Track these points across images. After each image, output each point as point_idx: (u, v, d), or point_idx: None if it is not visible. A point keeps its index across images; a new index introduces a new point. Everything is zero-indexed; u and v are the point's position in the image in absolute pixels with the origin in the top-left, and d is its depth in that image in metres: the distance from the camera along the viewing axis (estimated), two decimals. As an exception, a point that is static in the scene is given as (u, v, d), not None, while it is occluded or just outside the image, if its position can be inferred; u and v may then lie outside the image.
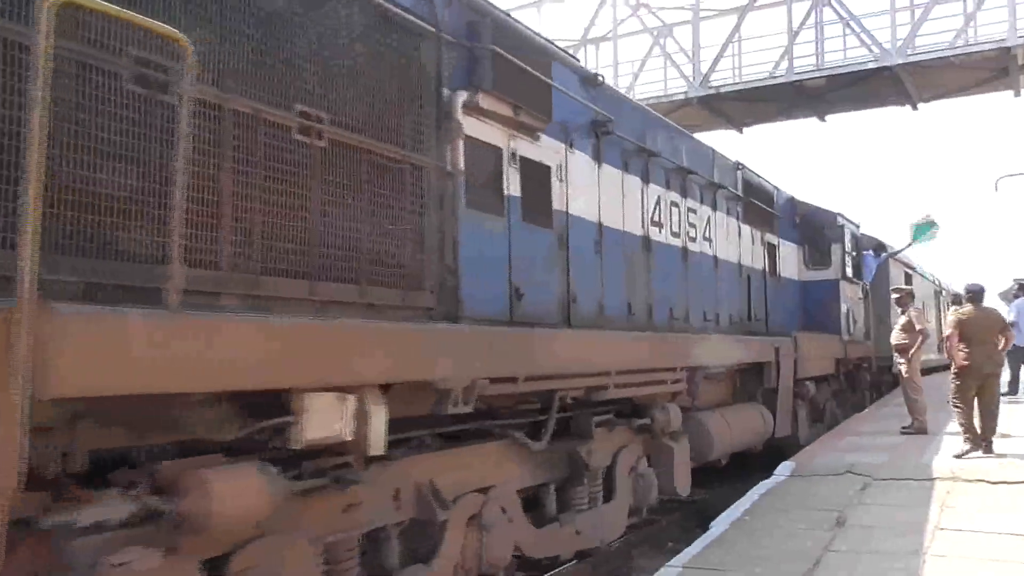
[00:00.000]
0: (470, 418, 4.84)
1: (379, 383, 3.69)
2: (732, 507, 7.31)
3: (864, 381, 15.75)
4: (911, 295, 11.72)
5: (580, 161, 6.29)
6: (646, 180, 7.44)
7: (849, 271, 13.44)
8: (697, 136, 10.10)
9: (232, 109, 3.35)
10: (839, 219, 13.16)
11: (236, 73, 3.39)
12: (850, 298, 13.48)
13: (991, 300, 17.53)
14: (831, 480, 8.09)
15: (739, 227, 9.90)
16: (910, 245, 17.34)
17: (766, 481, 8.26)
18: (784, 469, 8.72)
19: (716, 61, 19.57)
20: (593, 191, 6.46)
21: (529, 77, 5.32)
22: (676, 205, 8.02)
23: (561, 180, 5.93)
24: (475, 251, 4.79)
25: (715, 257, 8.99)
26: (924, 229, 17.01)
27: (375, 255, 4.03)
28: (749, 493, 7.81)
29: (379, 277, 4.04)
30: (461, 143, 4.67)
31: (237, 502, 3.08)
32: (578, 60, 6.71)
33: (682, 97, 19.71)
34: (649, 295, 7.27)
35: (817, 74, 19.01)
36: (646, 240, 7.34)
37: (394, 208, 4.17)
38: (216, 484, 3.06)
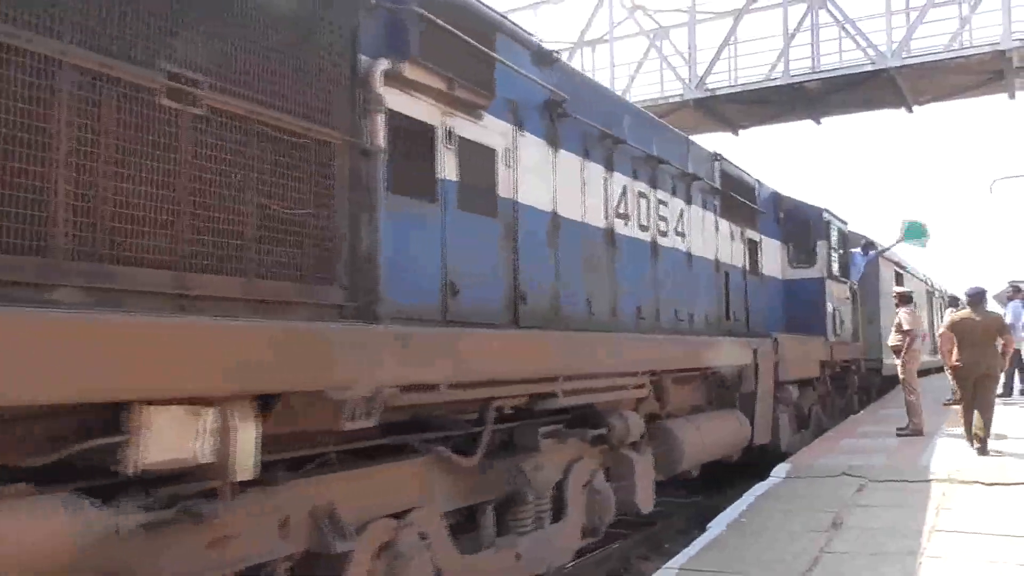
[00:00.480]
0: (393, 431, 4.21)
1: (250, 394, 3.04)
2: (729, 508, 7.27)
3: (852, 384, 14.88)
4: (908, 297, 11.55)
5: (532, 145, 5.64)
6: (610, 168, 6.80)
7: (835, 269, 12.73)
8: (693, 139, 9.52)
9: (73, 64, 2.75)
10: (825, 215, 12.43)
11: (81, 22, 2.77)
12: (836, 298, 12.75)
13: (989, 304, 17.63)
14: (828, 481, 8.00)
15: (716, 221, 9.25)
16: (899, 241, 16.56)
17: (763, 483, 8.23)
18: (781, 471, 8.61)
19: (712, 63, 19.46)
20: (547, 178, 5.82)
21: (466, 47, 4.65)
22: (644, 196, 7.39)
23: (509, 165, 5.29)
24: (400, 241, 4.16)
25: (689, 253, 8.34)
26: (916, 231, 16.35)
27: (266, 244, 3.39)
28: (746, 495, 7.77)
29: (272, 269, 3.41)
30: (382, 118, 4.00)
31: (19, 546, 2.46)
32: (533, 35, 5.91)
33: (678, 99, 19.63)
34: (613, 292, 6.65)
35: (813, 77, 18.91)
36: (610, 233, 6.71)
37: (293, 189, 3.53)
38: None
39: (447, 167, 4.67)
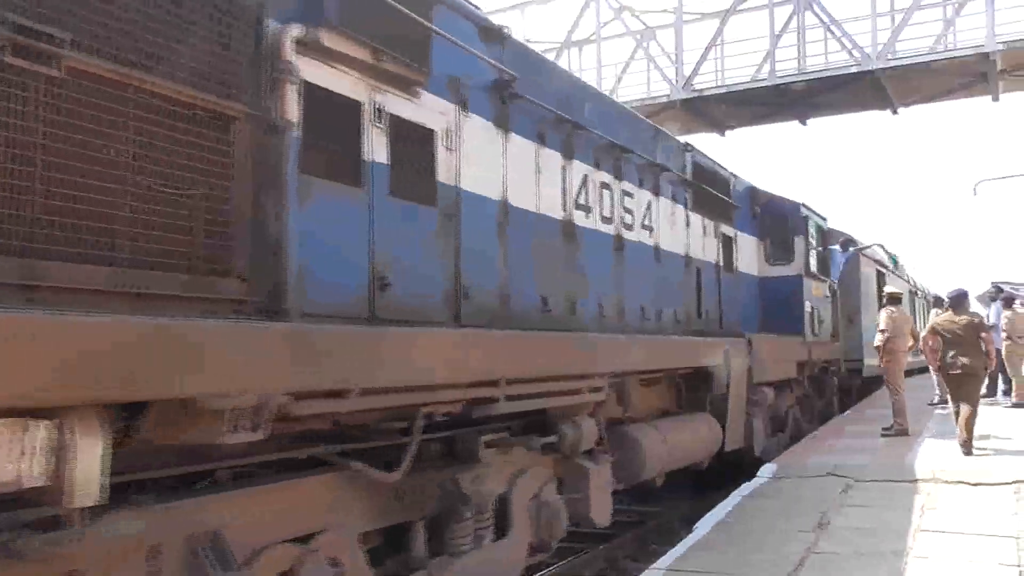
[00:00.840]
0: (305, 441, 3.71)
1: (96, 403, 2.52)
2: (716, 509, 7.21)
3: (831, 386, 14.19)
4: (895, 298, 11.31)
5: (478, 127, 5.12)
6: (569, 156, 6.28)
7: (814, 267, 12.11)
8: (680, 140, 9.29)
9: None
10: (802, 209, 11.79)
11: None
12: (815, 296, 12.13)
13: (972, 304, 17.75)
14: (814, 482, 7.90)
15: (687, 215, 8.72)
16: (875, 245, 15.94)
17: (749, 483, 8.23)
18: (767, 471, 8.58)
19: (699, 64, 19.38)
20: (496, 164, 5.32)
21: (396, 16, 4.14)
22: (608, 187, 6.90)
23: (451, 148, 4.76)
24: (318, 229, 3.66)
25: (656, 247, 7.84)
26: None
27: (143, 228, 2.90)
28: (732, 495, 7.71)
29: (151, 258, 2.93)
30: (293, 91, 3.53)
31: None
32: (479, 9, 5.42)
33: (665, 100, 19.62)
34: (572, 288, 6.16)
35: (799, 78, 18.93)
36: (568, 225, 6.22)
37: (180, 167, 3.03)
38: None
39: (376, 148, 4.14)
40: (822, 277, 12.74)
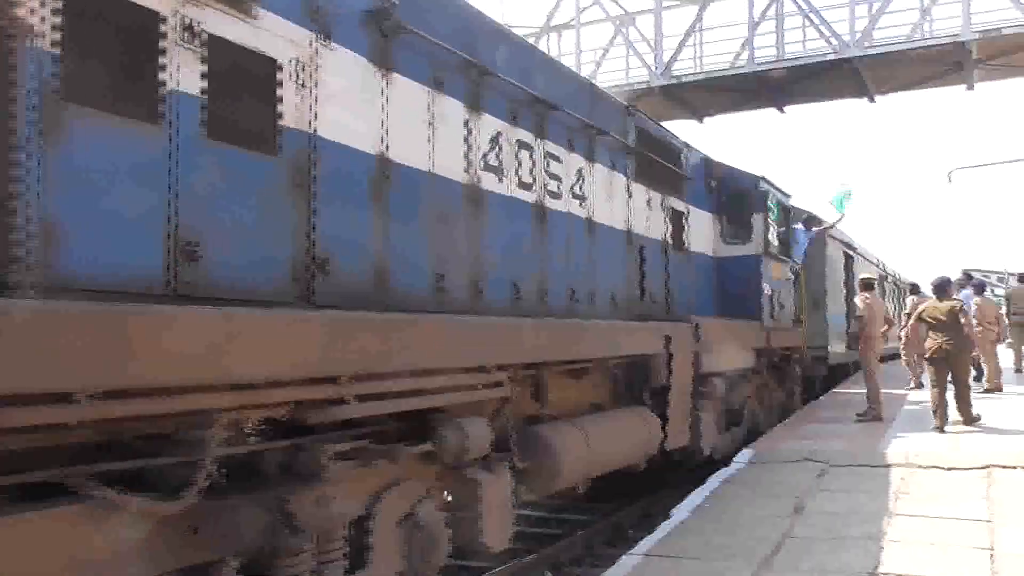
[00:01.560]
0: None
1: None
2: (693, 494, 7.19)
3: (793, 375, 12.65)
4: (869, 284, 11.11)
5: (346, 63, 4.12)
6: (475, 107, 5.25)
7: (774, 246, 10.93)
8: (624, 103, 8.44)
9: None
10: (762, 184, 10.58)
11: None
12: (775, 278, 10.91)
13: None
14: (790, 467, 7.84)
15: (629, 186, 7.65)
16: (841, 219, 14.36)
17: (725, 468, 8.21)
18: (743, 456, 8.55)
19: (678, 50, 19.20)
20: (373, 110, 4.31)
21: None
22: (528, 147, 5.89)
23: (303, 85, 3.77)
24: (88, 177, 2.77)
25: (590, 220, 6.85)
26: (842, 198, 14.25)
27: None
28: (710, 480, 7.72)
29: None
30: None
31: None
32: None
33: (644, 86, 19.63)
34: (477, 265, 5.20)
35: (777, 65, 18.88)
36: (474, 190, 5.22)
37: None
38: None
39: (183, 76, 3.14)
40: (783, 258, 11.46)
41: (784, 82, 18.86)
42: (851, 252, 18.47)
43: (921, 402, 12.78)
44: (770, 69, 18.24)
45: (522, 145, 5.84)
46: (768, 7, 18.26)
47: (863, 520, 5.87)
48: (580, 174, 6.74)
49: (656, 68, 18.53)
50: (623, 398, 7.37)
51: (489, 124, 5.43)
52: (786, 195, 12.02)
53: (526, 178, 5.89)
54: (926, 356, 10.09)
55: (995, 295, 22.00)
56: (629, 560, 5.25)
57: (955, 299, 10.50)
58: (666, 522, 6.21)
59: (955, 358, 9.75)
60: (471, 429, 4.58)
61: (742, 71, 18.31)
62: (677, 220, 8.94)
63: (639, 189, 7.92)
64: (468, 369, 4.77)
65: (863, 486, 6.98)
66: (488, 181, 5.40)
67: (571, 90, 6.78)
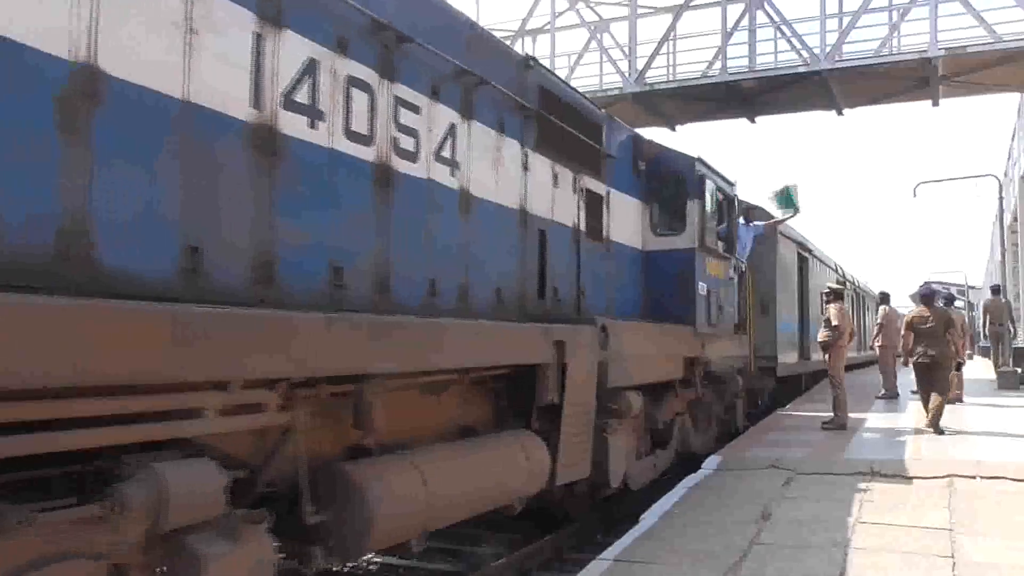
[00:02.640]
0: None
1: None
2: (661, 500, 7.30)
3: (735, 388, 10.86)
4: (839, 294, 11.27)
5: None
6: (272, 20, 3.89)
7: (713, 240, 9.50)
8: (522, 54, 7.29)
9: None
10: (698, 167, 9.07)
11: None
12: (713, 276, 9.48)
13: (904, 302, 18.39)
14: (756, 474, 7.96)
15: (526, 156, 6.23)
16: (795, 215, 12.27)
17: (694, 475, 8.29)
18: (711, 463, 8.66)
19: (652, 58, 19.42)
20: None
21: None
22: (365, 88, 4.50)
23: None
24: None
25: (464, 192, 5.44)
26: (791, 194, 12.34)
27: None
28: (678, 486, 7.79)
29: None
30: None
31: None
32: None
33: (617, 92, 19.80)
34: (265, 236, 3.83)
35: (749, 75, 19.28)
36: (267, 133, 3.84)
37: None
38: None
39: None
40: (724, 254, 10.02)
41: (755, 93, 19.14)
42: (806, 254, 17.35)
43: (889, 412, 13.02)
44: (742, 79, 18.49)
45: (355, 83, 4.43)
46: (741, 18, 18.54)
47: (828, 527, 5.96)
48: (451, 132, 5.31)
49: (629, 75, 18.69)
50: (507, 420, 6.02)
51: (298, 48, 4.04)
52: (729, 182, 10.43)
53: (360, 127, 4.46)
54: (912, 362, 10.67)
55: (955, 307, 22.49)
56: (598, 566, 5.29)
57: (941, 309, 11.00)
58: (635, 527, 6.25)
59: (934, 367, 10.28)
60: (176, 477, 3.12)
61: (714, 80, 18.53)
62: (595, 204, 7.43)
63: (541, 161, 6.43)
64: (199, 385, 3.28)
65: (828, 494, 7.09)
66: (293, 124, 4.00)
67: (439, 23, 5.26)
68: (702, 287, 9.12)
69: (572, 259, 7.03)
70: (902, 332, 11.03)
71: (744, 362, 11.29)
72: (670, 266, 8.89)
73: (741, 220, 11.39)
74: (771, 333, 13.52)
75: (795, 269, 15.85)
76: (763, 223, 12.19)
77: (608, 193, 7.87)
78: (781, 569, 5.08)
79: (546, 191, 6.60)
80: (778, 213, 12.14)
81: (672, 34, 19.13)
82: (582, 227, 7.21)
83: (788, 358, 14.78)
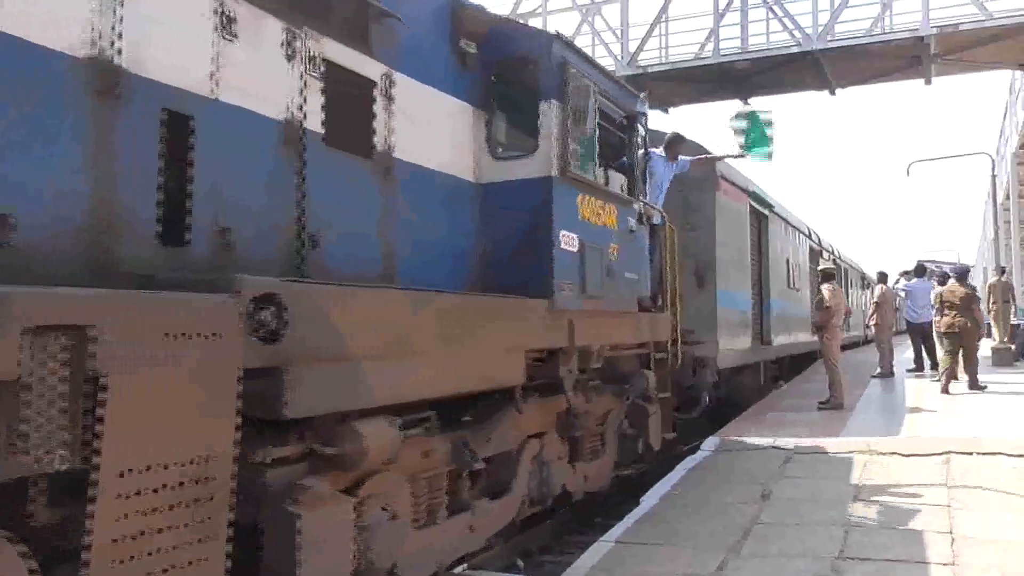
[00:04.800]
0: None
1: None
2: (662, 481, 7.29)
3: (638, 390, 7.32)
4: (831, 274, 11.27)
5: None
6: None
7: (589, 168, 6.15)
8: None
9: None
10: (558, 49, 5.78)
11: None
12: (595, 225, 6.23)
13: (895, 280, 18.43)
14: (755, 454, 7.98)
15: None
16: (748, 151, 9.06)
17: (693, 456, 8.29)
18: (710, 444, 8.66)
19: (644, 40, 19.40)
20: None
21: None
22: None
23: None
24: None
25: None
26: (758, 138, 8.82)
27: None
28: (678, 467, 7.79)
29: None
30: None
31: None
32: None
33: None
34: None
35: (741, 57, 19.25)
36: None
37: None
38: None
39: None
40: (619, 194, 6.79)
41: (748, 74, 19.13)
42: (764, 210, 13.23)
43: (886, 391, 13.10)
44: (734, 61, 18.46)
45: None
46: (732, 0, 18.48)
47: (827, 506, 6.00)
48: None
49: (622, 58, 18.63)
50: None
51: None
52: (632, 93, 7.26)
53: None
54: (943, 331, 12.33)
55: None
56: (600, 547, 5.32)
57: (970, 286, 12.73)
58: (636, 509, 6.29)
59: (968, 333, 12.15)
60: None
61: (707, 62, 18.51)
62: (351, 92, 4.61)
63: (246, 9, 3.87)
64: None
65: (827, 473, 7.14)
66: None
67: None
68: (566, 238, 5.72)
69: (282, 177, 4.10)
70: (934, 305, 12.80)
71: (665, 351, 8.00)
72: (515, 205, 5.64)
73: (659, 152, 8.31)
74: (709, 311, 10.13)
75: (747, 228, 12.04)
76: (690, 158, 8.80)
77: (388, 79, 4.86)
78: (782, 548, 5.12)
79: (191, 40, 3.59)
80: (739, 151, 9.07)
81: (664, 16, 19.10)
82: (314, 126, 4.28)
83: (736, 343, 11.10)
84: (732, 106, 19.77)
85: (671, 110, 20.99)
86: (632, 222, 7.17)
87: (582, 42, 19.88)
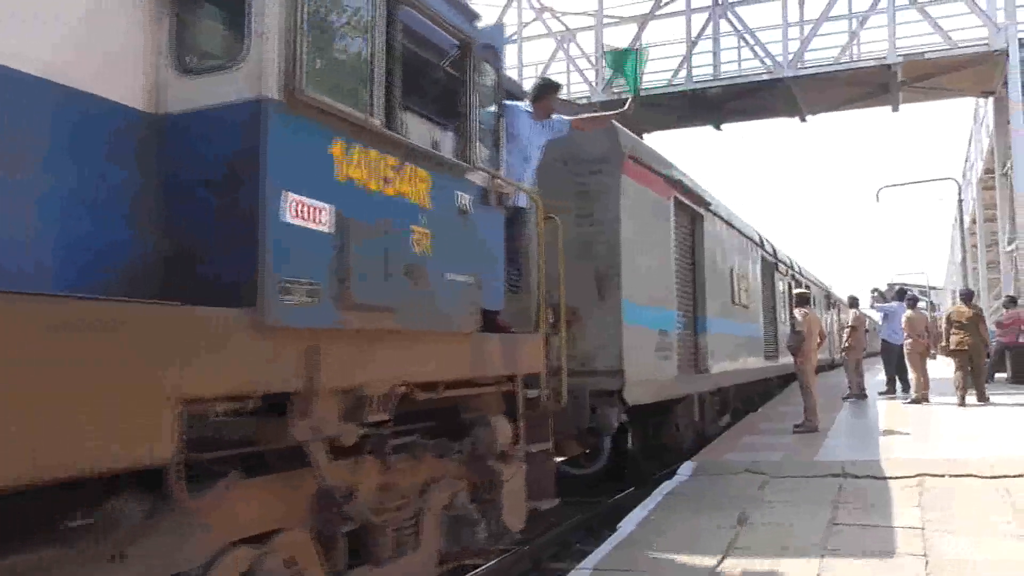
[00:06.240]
0: None
1: None
2: (639, 507, 7.32)
3: (486, 445, 4.97)
4: (805, 298, 11.52)
5: None
6: None
7: (376, 108, 3.85)
8: None
9: None
10: None
11: None
12: (378, 193, 3.90)
13: (866, 302, 18.59)
14: (731, 478, 7.84)
15: None
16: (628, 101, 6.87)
17: (670, 480, 8.29)
18: (687, 468, 8.50)
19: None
20: None
21: None
22: None
23: None
24: None
25: None
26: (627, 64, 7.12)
27: None
28: (654, 493, 7.80)
29: None
30: None
31: None
32: None
33: (585, 101, 19.99)
34: None
35: (714, 83, 19.65)
36: None
37: None
38: None
39: None
40: (430, 151, 4.47)
41: (720, 100, 19.44)
42: (700, 209, 10.57)
43: (859, 413, 13.22)
44: (707, 87, 18.76)
45: None
46: (705, 27, 18.81)
47: (804, 530, 6.01)
48: None
49: (597, 84, 18.84)
50: None
51: None
52: (467, 12, 4.92)
53: None
54: (951, 348, 13.29)
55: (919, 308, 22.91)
56: (578, 574, 5.27)
57: (975, 306, 13.85)
58: (613, 535, 6.26)
59: (974, 351, 13.09)
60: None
61: (680, 88, 18.78)
62: None
63: None
64: None
65: (803, 496, 7.16)
66: None
67: None
68: (302, 208, 3.49)
69: None
70: (942, 326, 13.83)
71: (538, 385, 5.71)
72: (209, 148, 3.46)
73: (525, 107, 6.01)
74: (612, 330, 7.69)
75: (671, 226, 9.42)
76: (571, 118, 6.47)
77: None
78: (760, 573, 5.12)
79: None
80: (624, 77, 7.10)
81: (638, 43, 19.34)
82: None
83: (653, 371, 8.53)
84: (706, 132, 19.98)
85: (645, 136, 21.23)
86: (466, 200, 4.79)
87: (557, 68, 20.12)
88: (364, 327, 3.83)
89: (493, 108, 5.39)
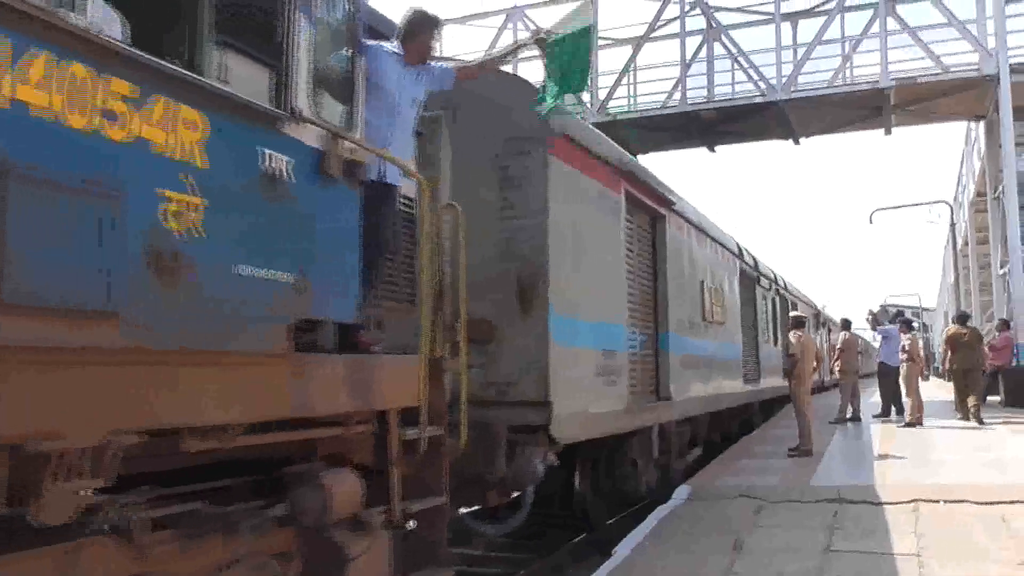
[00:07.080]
0: None
1: None
2: (634, 532, 7.31)
3: (313, 513, 3.51)
4: (800, 322, 11.65)
5: None
6: None
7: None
8: None
9: None
10: None
11: None
12: (68, 129, 2.41)
13: (862, 324, 18.68)
14: (726, 504, 7.76)
15: None
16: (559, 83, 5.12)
17: (665, 505, 8.34)
18: (681, 493, 8.51)
19: (613, 88, 19.96)
20: None
21: None
22: None
23: None
24: None
25: None
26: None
27: None
28: (649, 518, 7.81)
29: None
30: None
31: None
32: None
33: (579, 117, 20.25)
34: None
35: (708, 106, 19.80)
36: None
37: None
38: None
39: None
40: (205, 83, 2.98)
41: (714, 122, 19.57)
42: (663, 210, 9.12)
43: (853, 436, 13.21)
44: (701, 109, 18.89)
45: None
46: (699, 50, 18.97)
47: (800, 556, 5.99)
48: None
49: (592, 105, 18.96)
50: None
51: None
52: None
53: None
54: (950, 369, 14.08)
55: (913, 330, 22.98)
56: (572, 601, 5.24)
57: (973, 328, 14.62)
58: (608, 561, 6.22)
59: (972, 371, 13.80)
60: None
61: (674, 111, 18.91)
62: None
63: None
64: None
65: (799, 522, 7.14)
66: None
67: None
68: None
69: None
70: (942, 347, 14.73)
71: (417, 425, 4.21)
72: None
73: (393, 48, 4.54)
74: (535, 349, 6.09)
75: (620, 225, 7.80)
76: (455, 65, 5.04)
77: None
78: (756, 600, 5.09)
79: None
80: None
81: (632, 65, 19.52)
82: None
83: (594, 401, 6.94)
84: (699, 153, 20.11)
85: (639, 157, 21.39)
86: (282, 163, 3.36)
87: (552, 90, 20.24)
88: (39, 342, 2.34)
89: (344, 45, 3.99)
